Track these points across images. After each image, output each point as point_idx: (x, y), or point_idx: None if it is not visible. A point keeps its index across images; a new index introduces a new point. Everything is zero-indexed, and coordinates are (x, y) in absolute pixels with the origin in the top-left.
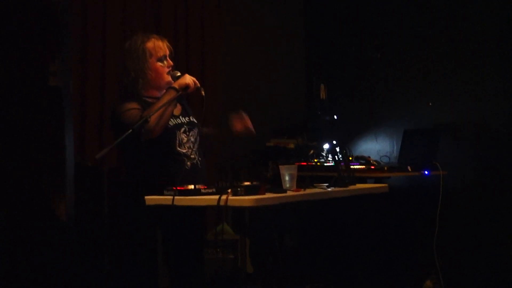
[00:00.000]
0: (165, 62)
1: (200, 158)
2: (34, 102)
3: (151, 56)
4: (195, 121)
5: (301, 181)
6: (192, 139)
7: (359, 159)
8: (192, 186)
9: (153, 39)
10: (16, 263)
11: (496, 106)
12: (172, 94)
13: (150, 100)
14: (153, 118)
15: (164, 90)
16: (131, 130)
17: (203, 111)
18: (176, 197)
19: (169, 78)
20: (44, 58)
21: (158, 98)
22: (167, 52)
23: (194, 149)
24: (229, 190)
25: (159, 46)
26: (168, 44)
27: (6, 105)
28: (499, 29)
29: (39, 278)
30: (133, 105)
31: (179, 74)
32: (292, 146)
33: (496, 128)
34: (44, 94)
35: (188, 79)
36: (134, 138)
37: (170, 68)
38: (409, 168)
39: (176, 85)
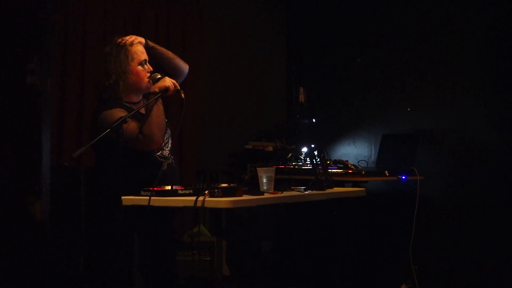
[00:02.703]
0: (145, 66)
1: (172, 156)
2: (11, 100)
3: (133, 59)
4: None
5: (279, 184)
6: (166, 139)
7: (337, 163)
8: (169, 187)
9: (134, 43)
10: None
11: (474, 114)
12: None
13: (130, 105)
14: (154, 130)
15: (141, 96)
16: (109, 130)
17: (182, 114)
18: (152, 198)
19: (148, 82)
20: (22, 56)
21: (136, 104)
22: (147, 57)
23: (167, 148)
24: (206, 192)
25: (141, 50)
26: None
27: None
28: (478, 39)
29: (13, 278)
30: (120, 112)
31: (159, 76)
32: (270, 149)
33: (473, 135)
34: (21, 92)
35: (168, 81)
36: (113, 139)
37: (150, 73)
38: (386, 172)
39: (156, 88)
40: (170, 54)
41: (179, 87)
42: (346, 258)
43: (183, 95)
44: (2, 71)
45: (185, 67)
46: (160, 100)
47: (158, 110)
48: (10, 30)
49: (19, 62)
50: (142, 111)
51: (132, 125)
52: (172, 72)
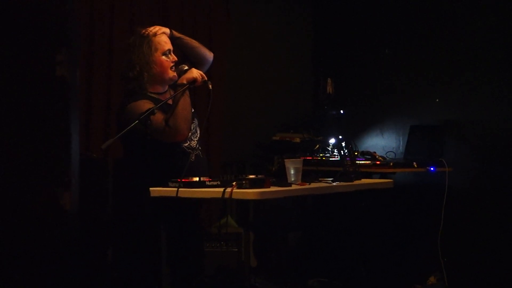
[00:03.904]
0: (169, 56)
1: (200, 147)
2: (40, 92)
3: (156, 50)
4: (193, 110)
5: (306, 175)
6: (193, 130)
7: (364, 154)
8: (196, 179)
9: (157, 33)
10: (17, 253)
11: (503, 106)
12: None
13: (155, 96)
14: (179, 122)
15: (167, 86)
16: (137, 121)
17: (209, 105)
18: (180, 189)
19: (173, 73)
20: (50, 47)
21: (162, 94)
22: (172, 47)
23: (196, 138)
24: (234, 183)
25: (164, 40)
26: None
27: (12, 95)
28: (509, 30)
29: (41, 268)
30: (147, 103)
31: (186, 68)
32: (298, 140)
33: (502, 127)
34: (51, 84)
35: (195, 73)
36: (141, 131)
37: (174, 63)
38: (414, 164)
39: (183, 79)
40: (195, 43)
41: (206, 78)
42: (373, 250)
43: (210, 86)
44: (33, 63)
45: (210, 55)
46: (187, 92)
47: (185, 102)
48: (38, 21)
49: (48, 53)
50: (170, 102)
51: (158, 117)
52: (196, 61)
